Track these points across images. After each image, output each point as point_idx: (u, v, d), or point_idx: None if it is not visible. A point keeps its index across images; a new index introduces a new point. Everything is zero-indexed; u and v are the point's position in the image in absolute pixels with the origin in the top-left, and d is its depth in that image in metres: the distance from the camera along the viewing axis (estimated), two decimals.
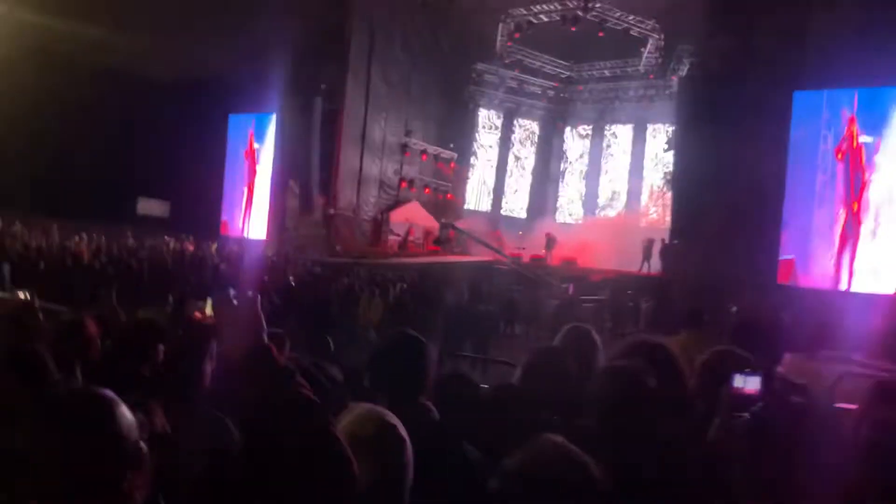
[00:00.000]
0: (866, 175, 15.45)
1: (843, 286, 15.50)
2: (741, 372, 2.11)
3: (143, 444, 1.37)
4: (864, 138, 15.58)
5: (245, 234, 24.90)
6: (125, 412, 1.34)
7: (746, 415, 1.88)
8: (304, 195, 23.41)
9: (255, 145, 25.19)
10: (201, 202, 24.85)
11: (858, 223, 15.48)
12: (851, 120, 15.73)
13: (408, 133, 27.01)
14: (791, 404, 1.82)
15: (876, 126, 15.45)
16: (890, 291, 14.86)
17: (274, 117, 24.28)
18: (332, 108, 23.31)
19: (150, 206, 26.31)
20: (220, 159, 25.83)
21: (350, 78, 23.37)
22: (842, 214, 15.65)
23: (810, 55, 15.15)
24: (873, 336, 12.27)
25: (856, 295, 15.09)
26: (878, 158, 15.37)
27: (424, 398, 2.47)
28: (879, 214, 15.29)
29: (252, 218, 25.14)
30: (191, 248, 19.37)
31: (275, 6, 20.93)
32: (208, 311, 1.95)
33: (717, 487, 1.92)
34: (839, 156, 15.77)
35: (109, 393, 1.35)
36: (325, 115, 23.26)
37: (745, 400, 2.01)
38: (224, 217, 25.84)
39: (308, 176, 23.21)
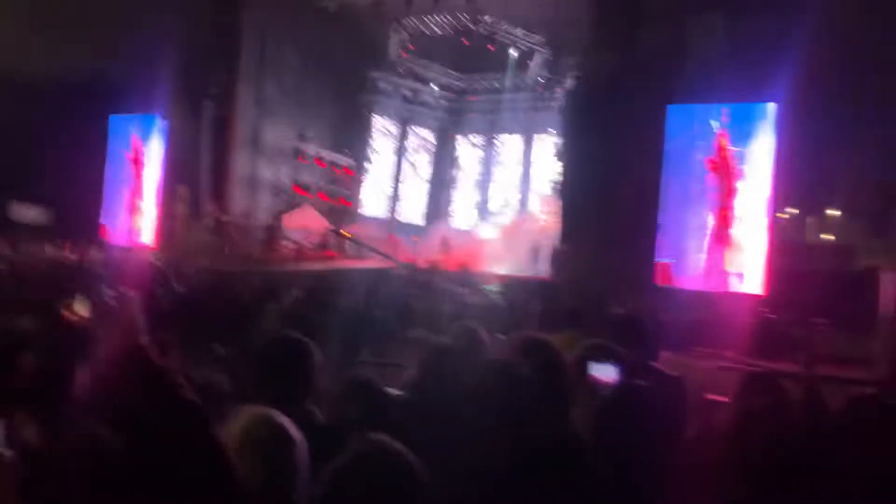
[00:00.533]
0: (734, 183, 16.66)
1: (715, 287, 16.60)
2: (598, 361, 2.27)
3: (7, 453, 1.33)
4: (732, 150, 16.78)
5: (130, 241, 23.69)
6: None
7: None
8: (194, 201, 22.61)
9: (141, 148, 24.04)
10: (82, 207, 23.46)
11: (727, 228, 16.65)
12: (721, 132, 16.92)
13: (302, 138, 26.63)
14: (639, 387, 1.97)
15: (742, 139, 16.70)
16: (756, 292, 16.08)
17: (158, 119, 23.29)
18: (223, 113, 22.65)
19: (25, 212, 24.55)
20: (101, 163, 24.46)
21: (241, 81, 22.82)
22: (712, 220, 16.79)
23: (684, 71, 16.19)
24: (742, 334, 13.29)
25: (727, 295, 16.22)
26: (745, 169, 16.61)
27: (310, 402, 2.48)
28: (745, 220, 16.52)
29: (137, 224, 23.96)
30: (69, 254, 18.25)
31: (161, 5, 20.14)
32: (80, 310, 1.89)
33: (573, 472, 2.05)
34: (710, 165, 16.93)
35: None
36: (216, 119, 22.57)
37: (603, 388, 2.15)
38: (106, 222, 24.46)
39: (198, 181, 22.43)
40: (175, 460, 1.33)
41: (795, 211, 16.80)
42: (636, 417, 1.86)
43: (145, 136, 23.90)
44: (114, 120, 24.54)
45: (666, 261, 17.11)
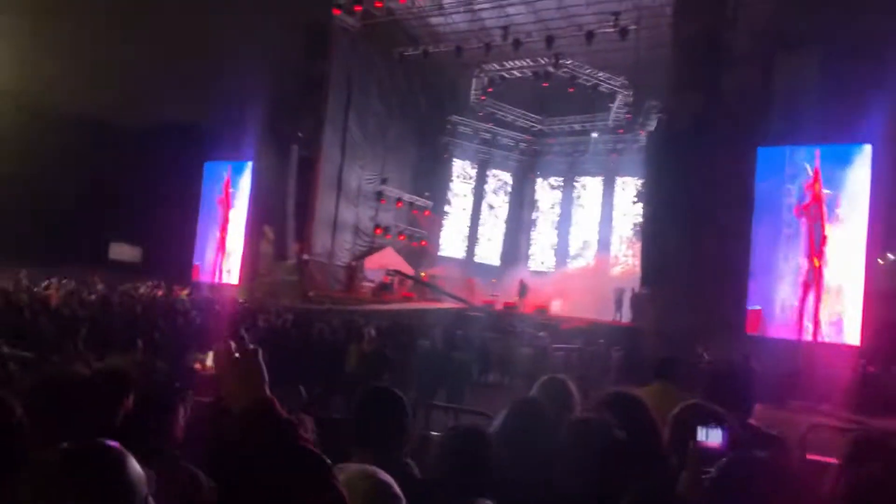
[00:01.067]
0: (826, 229, 15.92)
1: (808, 336, 15.79)
2: (705, 425, 2.16)
3: (151, 500, 1.34)
4: (825, 193, 16.10)
5: (218, 280, 24.69)
6: (135, 465, 1.32)
7: (712, 470, 1.90)
8: (279, 241, 23.42)
9: (231, 191, 25.22)
10: (174, 247, 24.73)
11: (821, 275, 15.88)
12: (814, 175, 16.28)
13: (383, 181, 27.30)
14: (755, 458, 1.86)
15: (835, 181, 16.02)
16: (852, 342, 15.17)
17: (250, 164, 24.42)
18: (309, 156, 23.52)
19: (121, 251, 26.07)
20: (195, 205, 25.80)
21: (327, 127, 23.68)
22: (805, 266, 16.05)
23: (773, 112, 15.75)
24: (839, 387, 12.53)
25: (821, 345, 15.39)
26: (839, 212, 15.88)
27: (406, 455, 2.46)
28: (840, 265, 15.70)
29: (225, 264, 24.98)
30: (160, 293, 19.14)
31: (253, 56, 21.26)
32: (208, 363, 1.96)
33: None
34: (802, 209, 16.26)
35: (118, 445, 1.34)
36: (301, 162, 23.44)
37: (710, 454, 2.04)
38: (196, 262, 25.66)
39: (283, 222, 23.25)
40: None
41: (893, 257, 15.90)
42: (750, 487, 1.76)
43: (236, 180, 25.07)
44: (208, 165, 25.90)
45: (757, 308, 16.42)
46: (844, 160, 16.04)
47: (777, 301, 16.32)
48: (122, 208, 24.00)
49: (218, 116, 23.34)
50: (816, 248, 16.05)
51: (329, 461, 1.39)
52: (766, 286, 16.49)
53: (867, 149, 15.58)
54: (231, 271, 24.54)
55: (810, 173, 16.34)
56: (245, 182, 24.77)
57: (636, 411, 2.75)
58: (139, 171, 23.42)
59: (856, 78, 14.66)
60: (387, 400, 2.50)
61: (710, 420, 2.20)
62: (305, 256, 23.40)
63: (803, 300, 16.01)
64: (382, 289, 24.82)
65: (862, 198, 15.65)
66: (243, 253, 24.29)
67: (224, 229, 25.31)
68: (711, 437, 2.13)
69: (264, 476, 1.33)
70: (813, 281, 15.96)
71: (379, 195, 27.11)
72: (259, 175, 24.01)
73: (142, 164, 23.40)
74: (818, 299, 15.93)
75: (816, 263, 15.98)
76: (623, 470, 2.28)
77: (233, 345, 1.52)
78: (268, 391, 1.49)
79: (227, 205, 25.32)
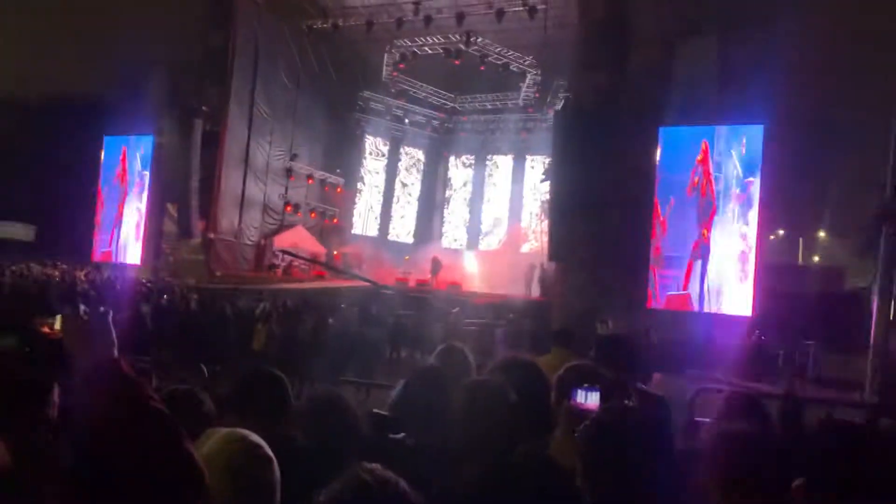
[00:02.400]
0: (722, 205, 16.78)
1: (705, 309, 16.65)
2: (581, 387, 2.25)
3: None
4: (719, 171, 16.93)
5: (118, 260, 23.59)
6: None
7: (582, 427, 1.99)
8: (183, 219, 22.54)
9: (131, 166, 24.03)
10: (72, 226, 23.40)
11: (712, 250, 16.72)
12: (708, 154, 17.07)
13: (293, 157, 26.71)
14: (625, 409, 1.96)
15: (730, 160, 16.85)
16: (745, 313, 16.15)
17: (152, 139, 23.31)
18: (213, 130, 22.68)
19: (13, 230, 24.48)
20: (94, 181, 24.44)
21: (233, 100, 22.90)
22: (702, 241, 16.87)
23: (674, 94, 16.36)
24: (730, 355, 13.37)
25: (717, 316, 16.29)
26: (733, 191, 16.74)
27: (289, 427, 2.48)
28: (734, 243, 16.60)
29: (126, 242, 23.86)
30: (57, 273, 18.15)
31: (154, 27, 20.28)
32: (56, 326, 1.88)
33: (553, 496, 2.03)
34: (699, 187, 17.05)
35: None
36: (206, 137, 22.56)
37: (586, 413, 2.13)
38: (96, 241, 24.38)
39: (187, 199, 22.37)
40: (146, 471, 1.29)
41: (783, 233, 16.97)
42: (617, 440, 1.84)
43: (137, 155, 23.89)
44: (107, 140, 24.55)
45: (659, 282, 17.15)
46: (739, 140, 16.88)
47: (677, 276, 17.09)
48: (15, 185, 22.50)
49: (118, 89, 22.15)
50: (713, 224, 16.86)
51: (174, 419, 1.35)
52: (668, 262, 17.23)
53: (760, 129, 16.45)
54: (132, 250, 23.47)
55: (707, 152, 17.12)
56: (146, 157, 23.65)
57: (529, 375, 2.84)
58: (34, 145, 22.01)
59: (750, 62, 15.44)
60: (266, 379, 2.56)
61: (587, 381, 2.29)
62: (211, 235, 22.68)
63: (703, 275, 16.82)
64: (270, 270, 24.37)
65: (754, 176, 16.53)
66: (145, 231, 23.25)
67: (123, 206, 24.12)
68: (590, 398, 2.22)
69: (110, 433, 1.30)
70: (709, 256, 16.78)
71: (288, 172, 26.53)
72: (161, 150, 22.95)
73: (37, 138, 22.00)
74: (704, 272, 16.77)
75: (711, 238, 16.81)
76: (513, 430, 2.35)
77: (82, 307, 1.47)
78: (115, 353, 1.45)
79: (127, 181, 24.13)
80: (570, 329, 5.25)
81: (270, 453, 1.80)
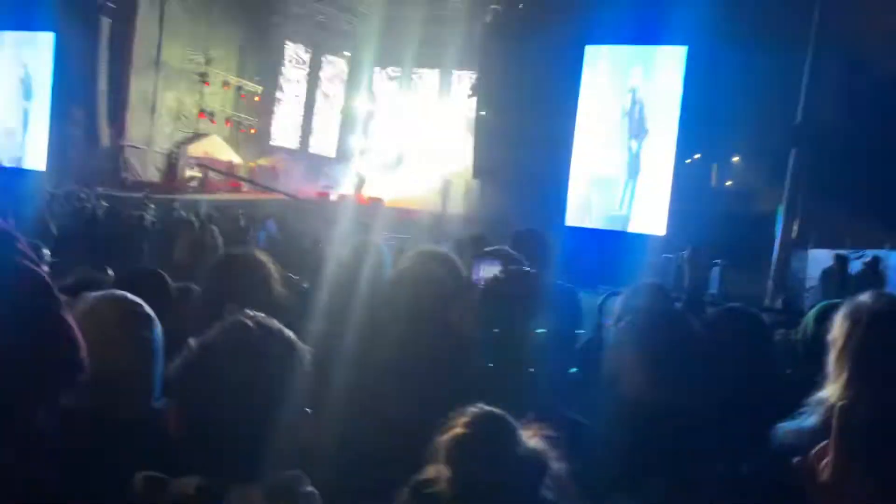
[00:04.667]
0: (646, 124, 17.12)
1: (620, 227, 17.21)
2: (483, 259, 2.39)
3: None
4: (640, 93, 17.19)
5: (19, 165, 22.15)
6: None
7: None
8: (90, 124, 21.27)
9: (30, 65, 22.26)
10: None
11: (637, 170, 17.17)
12: (634, 73, 17.27)
13: (208, 62, 25.32)
14: (518, 271, 2.10)
15: (653, 80, 17.10)
16: (659, 233, 16.80)
17: (52, 36, 21.53)
18: (122, 30, 21.20)
19: None
20: None
21: None
22: (622, 160, 17.27)
23: (601, 12, 16.29)
24: (641, 271, 13.97)
25: (632, 235, 16.86)
26: (654, 111, 17.07)
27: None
28: (652, 163, 17.07)
29: (28, 147, 22.37)
30: None
31: None
32: None
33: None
34: (623, 106, 17.31)
35: None
36: (114, 37, 21.11)
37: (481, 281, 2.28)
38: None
39: (94, 103, 21.08)
40: (13, 334, 1.18)
41: (699, 156, 17.46)
42: (497, 301, 2.01)
43: (36, 53, 22.10)
44: (3, 37, 22.53)
45: (579, 202, 17.51)
46: (664, 62, 17.09)
47: (594, 194, 17.48)
48: None
49: None
50: (635, 144, 17.22)
51: (48, 281, 1.25)
52: (588, 179, 17.58)
53: (684, 50, 16.66)
54: (36, 156, 22.05)
55: (630, 72, 17.31)
56: (47, 56, 21.91)
57: (449, 264, 2.95)
58: None
59: None
60: (146, 275, 2.76)
61: (487, 254, 2.43)
62: (121, 142, 21.59)
63: (621, 194, 17.28)
64: (186, 181, 23.47)
65: (675, 97, 16.85)
66: (49, 136, 21.82)
67: (26, 109, 22.48)
68: (490, 270, 2.35)
69: None
70: (631, 175, 17.20)
71: (203, 77, 25.18)
72: (63, 49, 21.27)
73: None
74: (633, 192, 17.25)
75: (633, 158, 17.21)
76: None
77: None
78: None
79: (25, 81, 22.42)
80: (482, 235, 5.35)
81: (151, 312, 1.80)
